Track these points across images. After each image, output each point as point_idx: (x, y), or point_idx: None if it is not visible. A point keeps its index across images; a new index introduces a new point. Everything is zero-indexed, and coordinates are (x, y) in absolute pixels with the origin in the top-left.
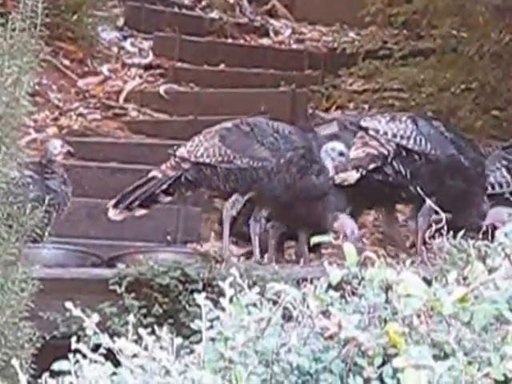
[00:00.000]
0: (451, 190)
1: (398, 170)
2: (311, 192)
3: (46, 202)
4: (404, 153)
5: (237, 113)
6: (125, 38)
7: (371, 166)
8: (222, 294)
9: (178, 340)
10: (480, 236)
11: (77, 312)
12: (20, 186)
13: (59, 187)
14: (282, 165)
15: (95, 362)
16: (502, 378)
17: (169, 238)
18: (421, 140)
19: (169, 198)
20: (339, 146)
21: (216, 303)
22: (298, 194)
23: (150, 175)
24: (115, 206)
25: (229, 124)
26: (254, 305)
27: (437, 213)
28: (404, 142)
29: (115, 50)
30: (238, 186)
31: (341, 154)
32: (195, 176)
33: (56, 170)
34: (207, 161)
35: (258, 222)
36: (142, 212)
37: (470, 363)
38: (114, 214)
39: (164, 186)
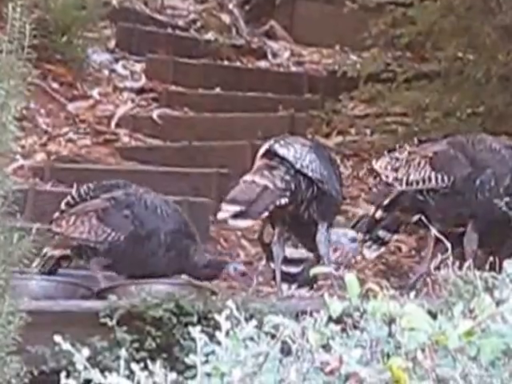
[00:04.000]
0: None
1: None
2: None
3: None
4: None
5: (233, 138)
6: (116, 60)
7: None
8: (217, 327)
9: (172, 375)
10: None
11: (66, 346)
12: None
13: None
14: (341, 199)
15: None
16: None
17: None
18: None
19: None
20: (351, 232)
21: (212, 337)
22: None
23: (263, 184)
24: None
25: (308, 142)
26: (252, 339)
27: (442, 242)
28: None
29: (106, 72)
30: (315, 212)
31: (353, 240)
32: (295, 189)
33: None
34: (310, 174)
35: (282, 245)
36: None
37: None
38: (236, 223)
39: (284, 200)
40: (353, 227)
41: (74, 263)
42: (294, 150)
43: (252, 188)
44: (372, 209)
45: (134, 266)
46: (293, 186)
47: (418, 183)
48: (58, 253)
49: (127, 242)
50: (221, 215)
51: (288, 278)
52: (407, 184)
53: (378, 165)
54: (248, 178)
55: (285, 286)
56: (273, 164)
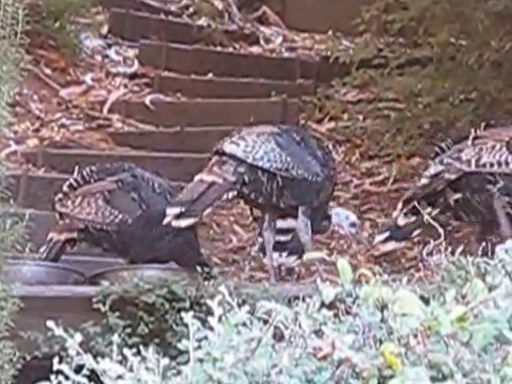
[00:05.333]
0: None
1: None
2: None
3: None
4: None
5: (226, 124)
6: (109, 45)
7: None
8: (210, 312)
9: (165, 361)
10: None
11: (59, 331)
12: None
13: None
14: (327, 182)
15: (78, 383)
16: None
17: None
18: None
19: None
20: (353, 216)
21: (204, 322)
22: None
23: (209, 181)
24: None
25: (275, 128)
26: (244, 324)
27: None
28: None
29: (99, 58)
30: (290, 199)
31: (353, 224)
32: (252, 181)
33: None
34: (267, 165)
35: (273, 230)
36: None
37: None
38: (178, 223)
39: (233, 193)
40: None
41: (77, 248)
42: (245, 144)
43: (197, 186)
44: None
45: (139, 249)
46: (246, 178)
47: (492, 165)
48: (63, 237)
49: (134, 224)
50: (165, 220)
51: (278, 246)
52: (477, 166)
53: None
54: (197, 177)
55: (275, 255)
56: (223, 159)
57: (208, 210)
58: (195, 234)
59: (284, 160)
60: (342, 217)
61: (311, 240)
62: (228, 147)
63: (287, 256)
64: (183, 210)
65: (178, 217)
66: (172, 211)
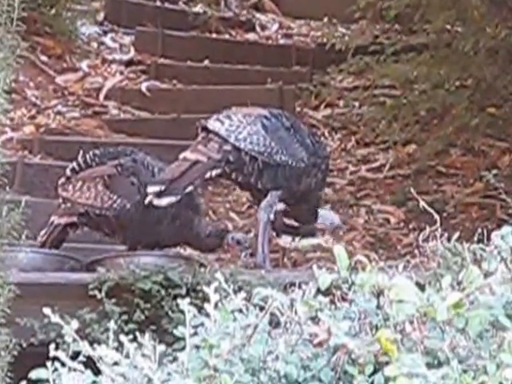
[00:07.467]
0: None
1: None
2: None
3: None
4: None
5: (221, 111)
6: (105, 32)
7: None
8: (206, 299)
9: (161, 347)
10: None
11: (55, 318)
12: None
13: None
14: (313, 169)
15: (74, 370)
16: None
17: None
18: None
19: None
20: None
21: (200, 309)
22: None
23: (193, 159)
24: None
25: (265, 112)
26: (240, 311)
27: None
28: None
29: (95, 45)
30: (268, 181)
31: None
32: (235, 160)
33: None
34: (249, 147)
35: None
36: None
37: (464, 371)
38: (160, 201)
39: (216, 171)
40: None
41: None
42: (229, 123)
43: (180, 165)
44: None
45: (138, 234)
46: (231, 157)
47: None
48: (64, 221)
49: (133, 209)
50: (147, 199)
51: (291, 230)
52: None
53: None
54: (182, 155)
55: (288, 239)
56: (209, 137)
57: (190, 188)
58: (198, 216)
59: (268, 144)
60: (327, 218)
61: (269, 221)
62: (212, 124)
63: (300, 239)
64: (163, 188)
65: (159, 195)
66: (152, 189)
